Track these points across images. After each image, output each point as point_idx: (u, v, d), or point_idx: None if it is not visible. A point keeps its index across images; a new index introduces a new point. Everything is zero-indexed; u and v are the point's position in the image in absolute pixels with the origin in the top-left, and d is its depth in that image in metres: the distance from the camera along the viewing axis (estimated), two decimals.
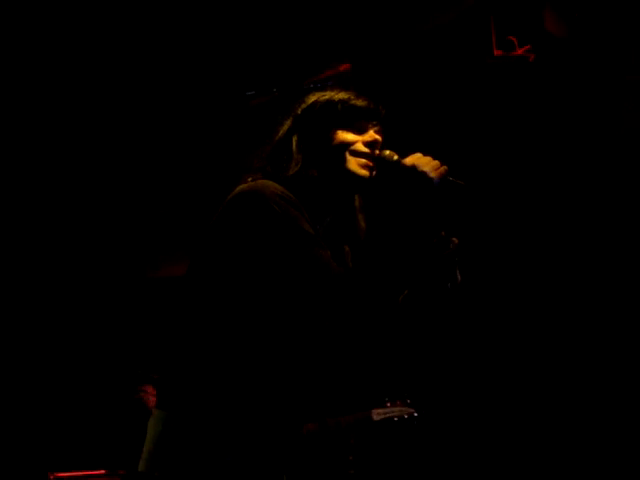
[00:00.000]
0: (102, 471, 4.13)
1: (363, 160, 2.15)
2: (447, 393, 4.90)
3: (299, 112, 2.22)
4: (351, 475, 4.37)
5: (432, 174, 2.02)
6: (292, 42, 4.62)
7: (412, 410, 4.32)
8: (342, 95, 2.20)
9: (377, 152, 2.16)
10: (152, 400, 3.96)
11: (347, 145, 2.15)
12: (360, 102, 2.19)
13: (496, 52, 4.21)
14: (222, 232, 2.04)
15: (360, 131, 2.19)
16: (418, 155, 2.07)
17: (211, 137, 4.94)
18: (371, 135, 2.18)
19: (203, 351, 2.00)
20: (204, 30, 4.50)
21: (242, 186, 2.09)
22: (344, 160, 2.14)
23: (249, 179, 2.14)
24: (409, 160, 2.06)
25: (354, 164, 2.14)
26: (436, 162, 2.05)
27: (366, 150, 2.16)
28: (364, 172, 2.15)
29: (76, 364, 5.09)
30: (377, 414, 4.25)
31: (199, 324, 2.02)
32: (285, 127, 2.22)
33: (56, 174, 4.94)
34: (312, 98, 2.24)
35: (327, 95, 2.22)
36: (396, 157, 2.13)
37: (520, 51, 4.23)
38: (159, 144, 4.94)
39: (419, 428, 4.42)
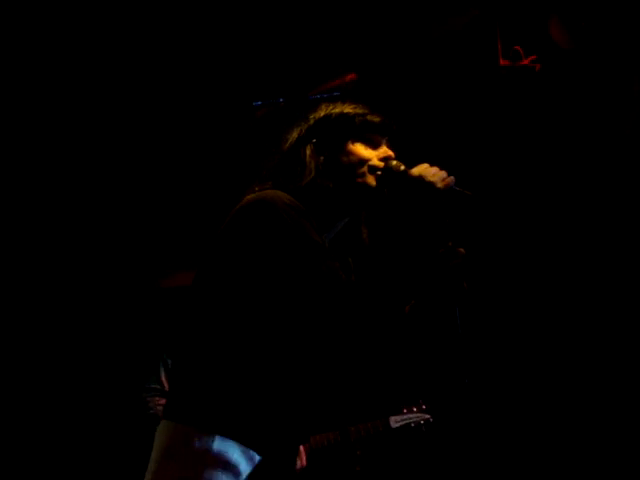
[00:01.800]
0: None
1: (379, 174, 2.17)
2: (461, 397, 4.88)
3: (311, 122, 2.23)
4: None
5: (439, 184, 2.02)
6: (298, 53, 4.62)
7: (428, 416, 4.34)
8: (357, 109, 2.22)
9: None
10: None
11: (365, 160, 2.17)
12: (376, 117, 2.22)
13: (502, 62, 4.22)
14: (231, 241, 2.03)
15: (374, 145, 2.21)
16: (425, 165, 2.07)
17: (219, 147, 4.95)
18: (385, 150, 2.21)
19: (211, 361, 1.98)
20: (212, 40, 4.51)
21: (251, 195, 2.09)
22: (362, 175, 2.16)
23: (257, 189, 2.14)
24: (416, 170, 2.06)
25: (371, 179, 2.16)
26: (443, 172, 2.05)
27: (381, 165, 2.17)
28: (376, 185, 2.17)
29: (85, 374, 5.08)
30: (395, 421, 4.27)
31: (207, 334, 2.01)
32: (295, 136, 2.22)
33: (68, 184, 4.95)
34: (323, 109, 2.25)
35: (339, 107, 2.24)
36: (403, 167, 2.13)
37: (526, 61, 4.23)
38: (169, 155, 4.95)
39: (435, 433, 4.43)
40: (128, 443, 4.80)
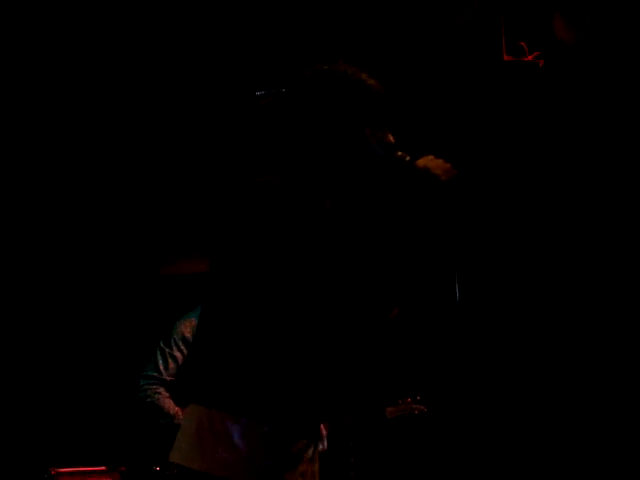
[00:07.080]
0: (103, 467, 4.13)
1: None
2: (456, 390, 4.90)
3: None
4: (352, 477, 4.38)
5: (443, 177, 2.02)
6: (299, 43, 4.62)
7: (423, 407, 4.37)
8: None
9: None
10: (167, 402, 3.95)
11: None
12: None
13: (506, 57, 4.22)
14: (241, 231, 2.01)
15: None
16: (430, 157, 2.06)
17: (221, 136, 4.95)
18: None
19: (225, 347, 1.98)
20: (212, 32, 4.51)
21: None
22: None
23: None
24: (421, 162, 2.06)
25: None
26: (448, 165, 2.05)
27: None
28: None
29: (81, 360, 5.09)
30: (390, 412, 4.30)
31: (223, 321, 2.00)
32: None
33: (68, 173, 4.95)
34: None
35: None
36: (408, 158, 2.12)
37: (530, 57, 4.24)
38: (171, 143, 4.95)
39: (430, 424, 4.47)
40: (127, 431, 4.82)
